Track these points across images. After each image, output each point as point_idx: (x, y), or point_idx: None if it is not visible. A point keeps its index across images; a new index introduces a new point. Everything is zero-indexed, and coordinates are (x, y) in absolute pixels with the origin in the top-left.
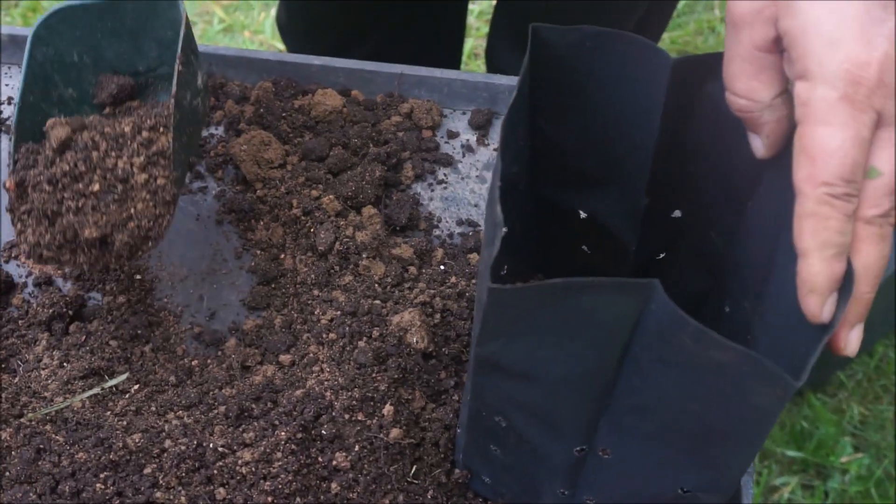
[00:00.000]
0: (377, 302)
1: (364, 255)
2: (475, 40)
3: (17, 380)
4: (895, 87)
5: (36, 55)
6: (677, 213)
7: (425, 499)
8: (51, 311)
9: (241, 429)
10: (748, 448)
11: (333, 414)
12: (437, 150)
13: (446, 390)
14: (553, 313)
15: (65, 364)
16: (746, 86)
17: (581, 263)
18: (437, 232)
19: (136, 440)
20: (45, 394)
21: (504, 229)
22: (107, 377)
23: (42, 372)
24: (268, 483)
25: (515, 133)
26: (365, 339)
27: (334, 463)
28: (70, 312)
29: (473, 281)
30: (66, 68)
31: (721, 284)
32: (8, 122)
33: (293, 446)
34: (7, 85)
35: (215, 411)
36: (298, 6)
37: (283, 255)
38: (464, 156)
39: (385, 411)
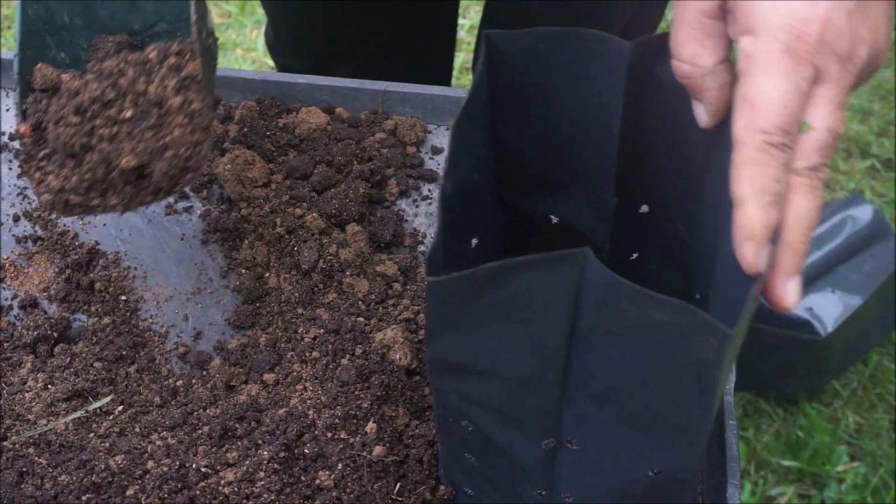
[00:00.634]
0: (361, 319)
1: (348, 273)
2: (466, 55)
3: (0, 402)
4: (834, 47)
5: (28, 11)
6: (644, 209)
7: None
8: (35, 333)
9: (224, 449)
10: (701, 410)
11: (316, 432)
12: (421, 165)
13: (430, 406)
14: (493, 299)
15: (49, 386)
16: (691, 51)
17: None
18: (422, 248)
19: (119, 462)
20: (29, 416)
21: (475, 240)
22: (91, 399)
23: (26, 394)
24: (250, 502)
25: (470, 140)
26: (348, 356)
27: (317, 482)
28: (55, 334)
29: None
30: (57, 30)
31: (690, 277)
32: (11, 145)
33: (276, 465)
34: (7, 110)
35: (199, 431)
36: (285, 24)
37: (267, 274)
38: None
39: (368, 429)
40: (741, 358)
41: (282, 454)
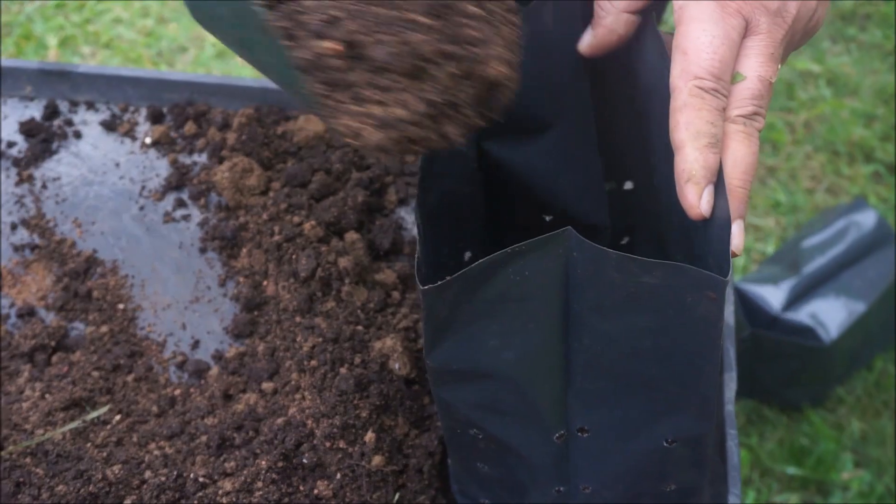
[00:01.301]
0: (359, 328)
1: (346, 281)
2: None
3: None
4: (763, 1)
5: None
6: (629, 185)
7: None
8: (33, 342)
9: (222, 458)
10: (708, 364)
11: (315, 442)
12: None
13: (429, 416)
14: (487, 298)
15: (46, 395)
16: None
17: None
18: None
19: (116, 472)
20: (27, 426)
21: (468, 253)
22: (88, 408)
23: (24, 404)
24: None
25: (457, 151)
26: (346, 365)
27: (316, 492)
28: (52, 343)
29: None
30: None
31: (671, 252)
32: (8, 153)
33: (274, 475)
34: (6, 118)
35: (197, 441)
36: None
37: (265, 282)
38: None
39: (367, 438)
40: (744, 365)
41: (280, 464)
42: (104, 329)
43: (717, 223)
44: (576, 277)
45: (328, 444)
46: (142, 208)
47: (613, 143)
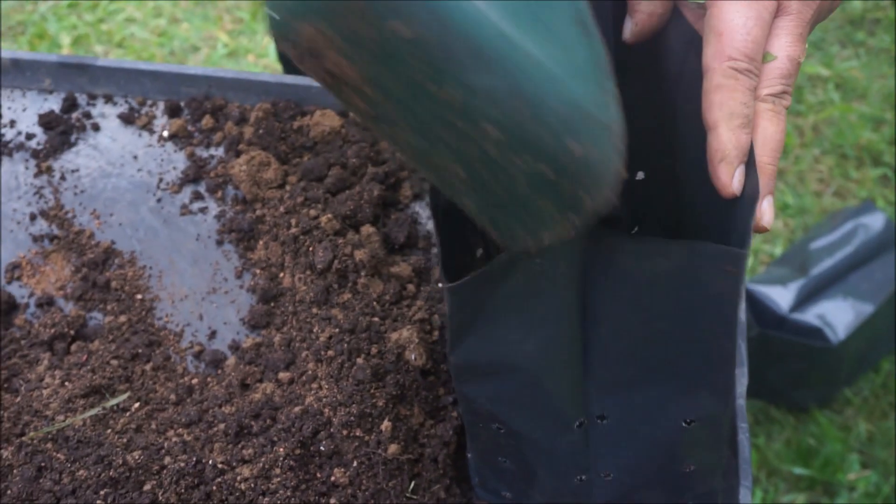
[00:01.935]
0: (375, 319)
1: (362, 273)
2: None
3: (18, 399)
4: None
5: None
6: (640, 175)
7: None
8: (52, 330)
9: (240, 445)
10: (726, 346)
11: (332, 430)
12: None
13: (445, 407)
14: (508, 293)
15: (66, 383)
16: None
17: None
18: (435, 250)
19: (136, 457)
20: (47, 412)
21: (479, 250)
22: (108, 395)
23: (44, 391)
24: (266, 499)
25: None
26: (363, 356)
27: (333, 479)
28: (72, 332)
29: None
30: None
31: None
32: (10, 146)
33: (292, 462)
34: (9, 108)
35: (215, 429)
36: None
37: (282, 274)
38: None
39: (383, 427)
40: (752, 365)
41: (297, 451)
42: (122, 319)
43: (745, 206)
44: (593, 265)
45: (345, 433)
46: (159, 200)
47: (630, 133)
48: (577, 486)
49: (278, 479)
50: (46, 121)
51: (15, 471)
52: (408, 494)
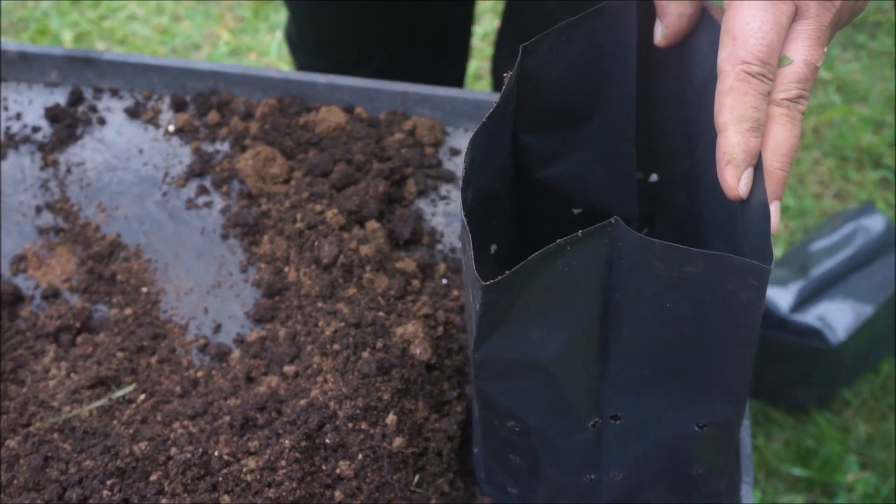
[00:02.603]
0: (381, 314)
1: (368, 268)
2: (479, 62)
3: (25, 390)
4: None
5: None
6: (654, 178)
7: None
8: (58, 322)
9: (245, 437)
10: (745, 354)
11: (337, 423)
12: (439, 166)
13: (449, 401)
14: (536, 290)
15: (72, 374)
16: None
17: None
18: (439, 247)
19: (143, 448)
20: (53, 403)
21: (494, 246)
22: (113, 387)
23: (50, 382)
24: (272, 490)
25: (494, 149)
26: (368, 349)
27: (338, 471)
28: (77, 324)
29: None
30: None
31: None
32: (16, 139)
33: (297, 454)
34: (15, 101)
35: (220, 421)
36: (309, 25)
37: (287, 269)
38: None
39: (388, 420)
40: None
41: (303, 443)
42: (128, 311)
43: (756, 210)
44: (619, 267)
45: (350, 426)
46: (165, 194)
47: (649, 135)
48: (586, 485)
49: (284, 470)
50: (52, 114)
51: (22, 460)
52: (412, 488)
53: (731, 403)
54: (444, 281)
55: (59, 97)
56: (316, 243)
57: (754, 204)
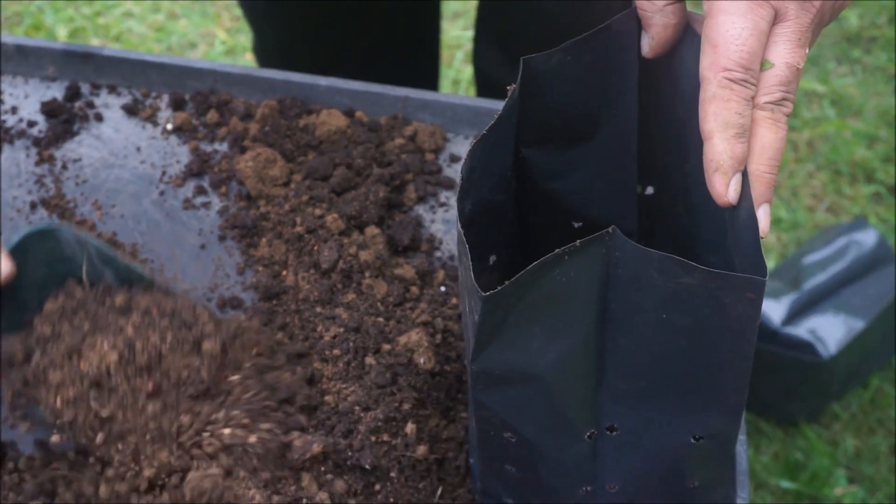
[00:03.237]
0: (380, 320)
1: (367, 274)
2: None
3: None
4: None
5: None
6: (650, 190)
7: None
8: None
9: None
10: (741, 366)
11: (359, 436)
12: (439, 172)
13: (454, 407)
14: (533, 300)
15: None
16: None
17: None
18: (438, 254)
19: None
20: None
21: (493, 257)
22: None
23: None
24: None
25: (495, 161)
26: (371, 355)
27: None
28: None
29: None
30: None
31: (696, 261)
32: (11, 133)
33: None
34: (11, 94)
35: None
36: (271, 36)
37: (284, 272)
38: None
39: (408, 430)
40: None
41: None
42: None
43: (745, 221)
44: (617, 277)
45: (373, 438)
46: (162, 193)
47: (645, 148)
48: (583, 496)
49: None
50: (49, 109)
51: None
52: (435, 501)
53: (728, 415)
54: (443, 288)
55: (56, 92)
56: (315, 248)
57: (743, 215)
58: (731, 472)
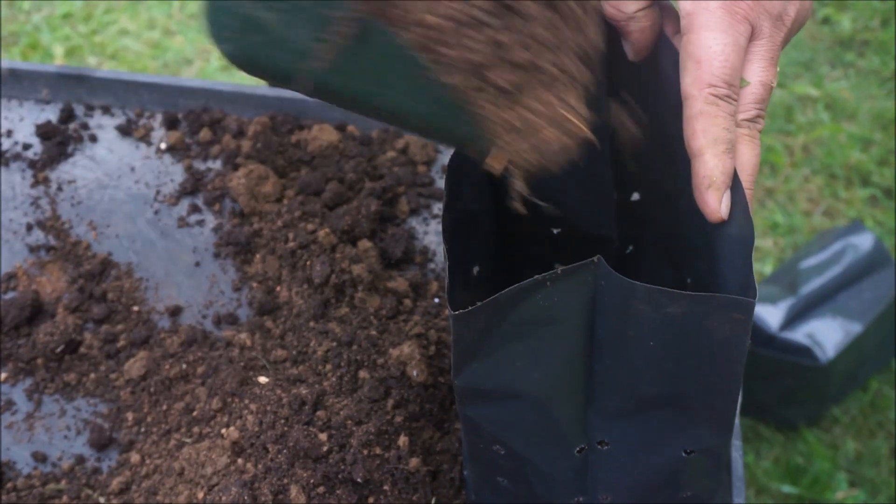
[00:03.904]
0: (373, 333)
1: (360, 288)
2: None
3: None
4: (766, 6)
5: None
6: (636, 196)
7: None
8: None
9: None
10: (730, 385)
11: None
12: (431, 185)
13: (448, 420)
14: (516, 321)
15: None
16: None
17: None
18: (431, 265)
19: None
20: None
21: (476, 267)
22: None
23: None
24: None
25: (470, 171)
26: (364, 368)
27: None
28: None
29: None
30: None
31: (681, 264)
32: (7, 156)
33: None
34: (6, 118)
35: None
36: None
37: (279, 288)
38: None
39: (401, 443)
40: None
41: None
42: (119, 328)
43: (735, 238)
44: (602, 304)
45: (365, 452)
46: (156, 212)
47: (626, 155)
48: None
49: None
50: (44, 131)
51: None
52: None
53: (718, 432)
54: (436, 300)
55: (51, 114)
56: (308, 263)
57: (734, 230)
58: (728, 480)
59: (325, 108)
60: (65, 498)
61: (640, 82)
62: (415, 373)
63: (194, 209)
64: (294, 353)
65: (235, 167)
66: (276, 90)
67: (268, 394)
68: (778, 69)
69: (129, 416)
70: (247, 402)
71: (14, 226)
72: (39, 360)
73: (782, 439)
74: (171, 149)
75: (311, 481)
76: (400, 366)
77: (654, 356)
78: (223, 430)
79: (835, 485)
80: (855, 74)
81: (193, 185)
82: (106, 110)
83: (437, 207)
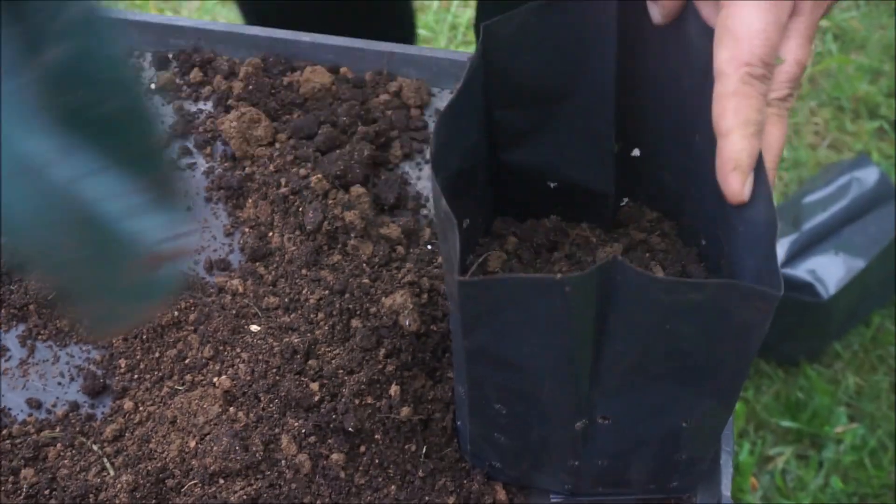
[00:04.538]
0: (366, 281)
1: (352, 235)
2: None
3: None
4: None
5: None
6: (636, 152)
7: (436, 479)
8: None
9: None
10: (742, 367)
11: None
12: (425, 129)
13: (440, 368)
14: (525, 301)
15: None
16: None
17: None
18: (424, 212)
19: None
20: None
21: (466, 220)
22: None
23: None
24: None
25: (462, 129)
26: (356, 317)
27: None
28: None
29: None
30: None
31: (689, 225)
32: None
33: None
34: None
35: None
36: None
37: (271, 234)
38: None
39: (392, 392)
40: None
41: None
42: None
43: (760, 223)
44: (617, 296)
45: (357, 402)
46: None
47: (634, 112)
48: (571, 468)
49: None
50: None
51: None
52: (422, 459)
53: (722, 405)
54: (429, 247)
55: None
56: (300, 209)
57: (758, 213)
58: (718, 445)
59: (317, 50)
60: (59, 446)
61: (663, 47)
62: (407, 322)
63: (185, 152)
64: (286, 300)
65: (227, 109)
66: (268, 31)
67: (260, 342)
68: (813, 48)
69: (122, 362)
70: (238, 350)
71: None
72: (31, 307)
73: (783, 375)
74: (161, 89)
75: (303, 431)
76: (392, 315)
77: (669, 337)
78: (215, 379)
79: (834, 419)
80: (865, 4)
81: (184, 127)
82: None
83: None
